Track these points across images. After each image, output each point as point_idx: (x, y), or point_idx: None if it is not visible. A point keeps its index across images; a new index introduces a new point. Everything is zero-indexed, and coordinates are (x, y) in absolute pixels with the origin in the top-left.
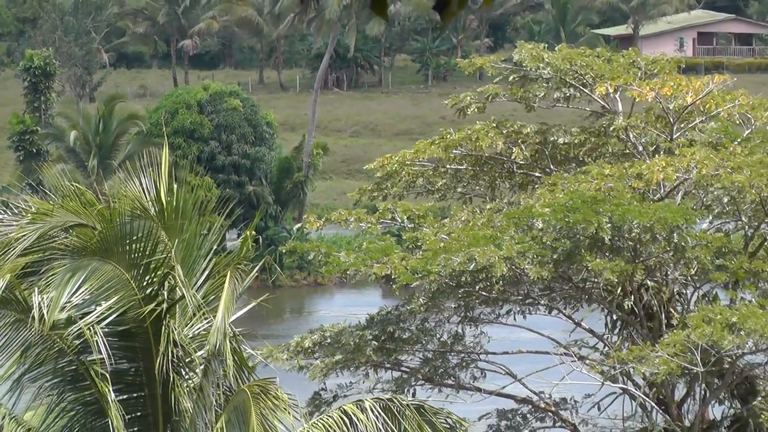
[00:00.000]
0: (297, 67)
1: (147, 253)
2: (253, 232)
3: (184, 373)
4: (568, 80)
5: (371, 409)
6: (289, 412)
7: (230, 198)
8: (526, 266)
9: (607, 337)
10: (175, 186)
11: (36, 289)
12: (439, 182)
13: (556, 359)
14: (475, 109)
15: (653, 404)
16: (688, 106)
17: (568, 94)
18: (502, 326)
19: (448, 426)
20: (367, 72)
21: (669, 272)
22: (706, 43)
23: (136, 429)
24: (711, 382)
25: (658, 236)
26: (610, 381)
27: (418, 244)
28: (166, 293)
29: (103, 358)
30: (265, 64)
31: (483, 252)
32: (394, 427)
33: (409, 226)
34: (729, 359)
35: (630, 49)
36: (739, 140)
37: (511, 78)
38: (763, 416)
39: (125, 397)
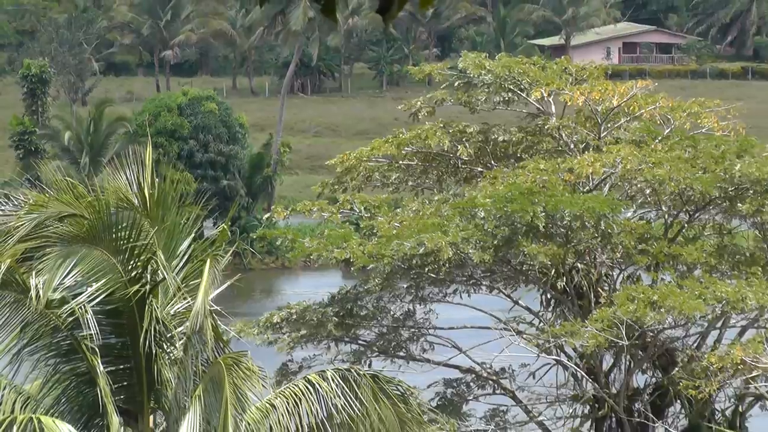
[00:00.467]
0: (266, 75)
1: (132, 239)
2: (228, 222)
3: (165, 347)
4: (506, 85)
5: (332, 379)
6: (258, 382)
7: (207, 191)
8: (470, 251)
9: (542, 314)
10: (157, 180)
11: (33, 272)
12: (392, 176)
13: (497, 334)
14: (425, 112)
15: (583, 374)
16: (614, 108)
17: (507, 98)
18: (448, 304)
19: (400, 393)
20: (328, 78)
21: (597, 256)
22: (631, 52)
23: (122, 397)
24: (635, 354)
25: (587, 224)
26: (545, 353)
27: (374, 231)
28: (149, 276)
29: (93, 334)
30: (237, 71)
31: (431, 238)
32: (352, 395)
33: (366, 215)
34: (651, 333)
35: (562, 57)
36: (659, 138)
37: (456, 84)
38: (681, 384)
39: (113, 368)
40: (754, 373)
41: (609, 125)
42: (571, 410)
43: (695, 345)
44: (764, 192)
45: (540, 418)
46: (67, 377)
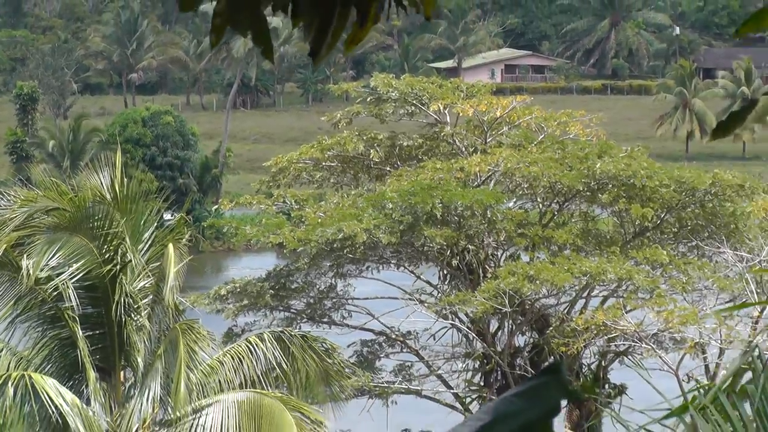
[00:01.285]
0: (214, 93)
1: (105, 228)
2: (184, 213)
3: (133, 315)
4: (410, 100)
5: (268, 340)
6: (208, 343)
7: (165, 188)
8: (380, 235)
9: (440, 286)
10: (126, 179)
11: (24, 255)
12: (317, 175)
13: (403, 303)
14: (344, 123)
15: (474, 335)
16: (498, 118)
17: (410, 111)
18: (363, 279)
19: (324, 350)
20: (264, 96)
21: (484, 239)
22: (511, 72)
23: (98, 357)
24: (516, 318)
25: (476, 212)
26: (442, 318)
27: (302, 220)
28: (119, 257)
29: (74, 306)
30: (190, 90)
31: (349, 225)
32: (285, 352)
33: (296, 207)
34: (529, 301)
35: (455, 78)
36: (534, 143)
37: (368, 99)
38: (554, 343)
39: (90, 333)
40: (614, 334)
41: (493, 132)
42: (464, 365)
43: (565, 311)
44: (620, 186)
45: (439, 372)
46: (53, 341)
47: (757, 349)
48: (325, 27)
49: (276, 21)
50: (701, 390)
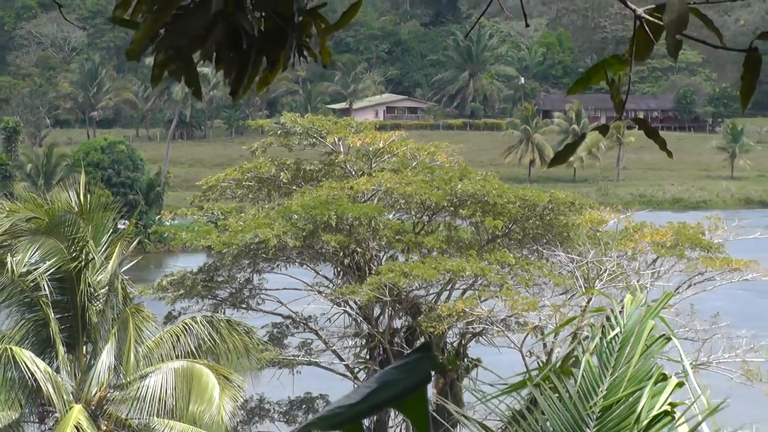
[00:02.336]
0: (158, 127)
1: (72, 233)
2: (134, 222)
3: (93, 302)
4: (311, 134)
5: (200, 322)
6: (152, 324)
7: (119, 202)
8: (288, 240)
9: (335, 280)
10: (88, 195)
11: (9, 254)
12: (238, 192)
13: (305, 293)
14: (260, 151)
15: (361, 319)
16: (380, 149)
17: (312, 142)
18: (274, 274)
19: (245, 331)
20: (197, 129)
21: (369, 243)
22: (391, 113)
23: (66, 334)
24: (394, 306)
25: (362, 222)
26: (336, 305)
27: (227, 227)
28: (83, 256)
29: (47, 294)
30: (139, 125)
31: (263, 232)
32: (214, 332)
33: (222, 217)
34: (404, 293)
35: (347, 117)
36: (409, 168)
37: (279, 132)
38: (423, 325)
39: (59, 316)
40: (471, 319)
41: (377, 160)
42: (353, 342)
43: (433, 300)
44: (476, 202)
45: (334, 348)
46: (30, 322)
47: (579, 340)
48: (242, 72)
49: (206, 70)
50: (539, 367)
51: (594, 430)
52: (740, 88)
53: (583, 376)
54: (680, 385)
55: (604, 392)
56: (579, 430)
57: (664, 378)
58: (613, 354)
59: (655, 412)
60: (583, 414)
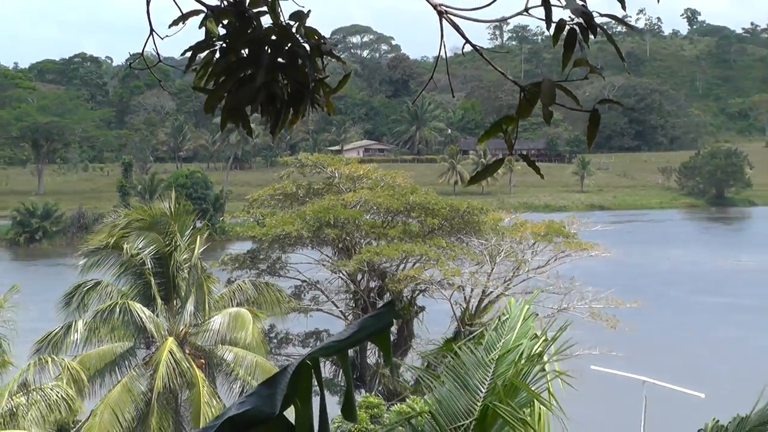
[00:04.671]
0: (221, 161)
1: (167, 228)
2: (206, 222)
3: (180, 272)
4: (317, 166)
5: (248, 284)
6: (217, 285)
7: (196, 209)
8: (303, 232)
9: (333, 257)
10: (177, 205)
11: (126, 242)
12: (272, 202)
13: (314, 265)
14: (285, 177)
15: (350, 281)
16: (361, 175)
17: (318, 171)
18: (295, 254)
19: (277, 290)
20: (246, 163)
21: (354, 234)
22: (367, 152)
23: (162, 293)
24: (371, 273)
25: (350, 221)
26: (334, 272)
27: (264, 224)
28: (173, 243)
29: (149, 267)
30: (209, 160)
31: (287, 227)
32: (256, 291)
33: (261, 218)
34: (376, 265)
35: (340, 155)
36: (379, 187)
37: (297, 165)
38: (388, 285)
39: (158, 281)
40: (418, 281)
41: (359, 182)
42: (345, 297)
43: (395, 269)
44: (421, 207)
45: (332, 300)
46: (139, 285)
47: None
48: (277, 120)
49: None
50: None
51: (494, 366)
52: (587, 135)
53: (488, 344)
54: (546, 339)
55: (503, 343)
56: (486, 367)
57: (536, 336)
58: (506, 325)
59: (533, 352)
60: (488, 360)
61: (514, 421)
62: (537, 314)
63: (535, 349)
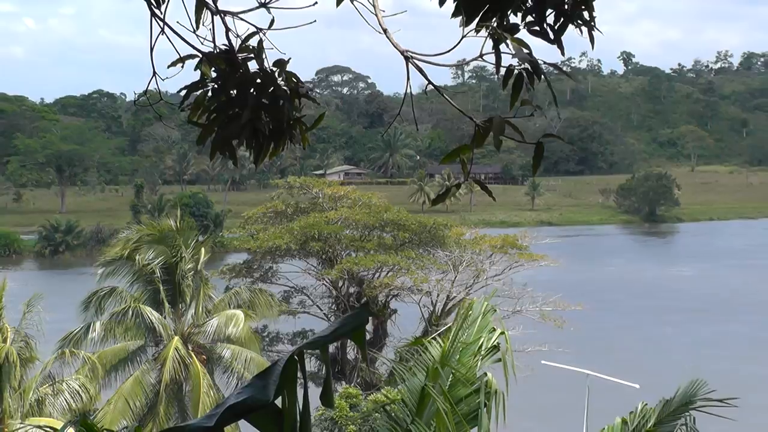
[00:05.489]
0: (219, 183)
1: (173, 242)
2: (207, 236)
3: (184, 279)
4: (304, 187)
5: (243, 290)
6: (215, 291)
7: (198, 225)
8: (291, 245)
9: (318, 267)
10: (181, 221)
11: (138, 253)
12: (264, 219)
13: (301, 273)
14: (277, 197)
15: (332, 287)
16: (341, 195)
17: (304, 192)
18: (284, 263)
19: (269, 294)
20: (242, 185)
21: (336, 246)
22: (347, 176)
23: (169, 298)
24: (350, 280)
25: (332, 235)
26: (318, 279)
27: (258, 238)
28: (179, 254)
29: (158, 275)
30: (210, 183)
31: (277, 240)
32: (251, 295)
33: (255, 233)
34: (355, 273)
35: (323, 178)
36: (357, 206)
37: (286, 187)
38: (365, 291)
39: (165, 287)
40: (392, 287)
41: (340, 201)
42: (328, 301)
43: (371, 276)
44: (394, 223)
45: (317, 303)
46: (149, 291)
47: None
48: (259, 152)
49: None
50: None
51: (459, 357)
52: (533, 163)
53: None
54: (502, 332)
55: (464, 338)
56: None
57: (494, 329)
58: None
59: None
60: (453, 349)
61: (449, 404)
62: (496, 310)
63: (493, 341)
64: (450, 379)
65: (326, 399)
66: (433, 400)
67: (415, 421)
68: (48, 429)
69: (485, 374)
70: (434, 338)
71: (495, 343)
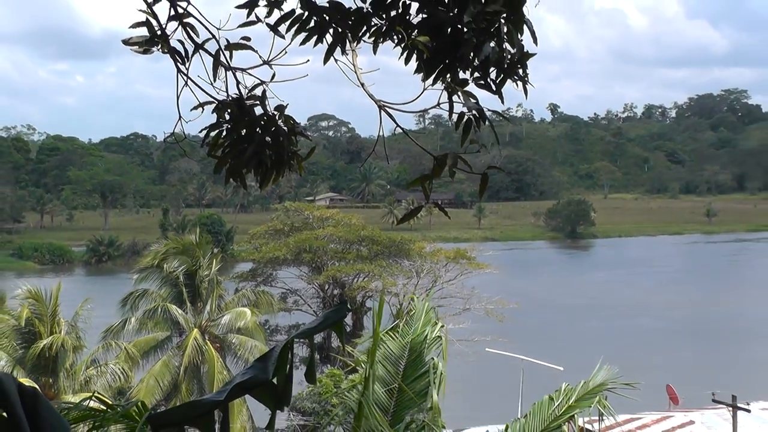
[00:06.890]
0: (231, 207)
1: (193, 253)
2: (220, 249)
3: (202, 283)
4: (298, 211)
5: (249, 291)
6: (227, 293)
7: (214, 240)
8: (287, 255)
9: (309, 273)
10: (200, 237)
11: (165, 263)
12: (266, 236)
13: (296, 278)
14: (276, 218)
15: (320, 290)
16: (327, 217)
17: (298, 214)
18: (282, 270)
19: (270, 295)
20: (249, 208)
21: (323, 257)
22: (333, 201)
23: (190, 297)
24: (334, 284)
25: (321, 248)
26: (309, 283)
27: (261, 251)
28: (198, 263)
29: (181, 279)
30: (223, 206)
31: (277, 252)
32: (255, 295)
33: (259, 246)
34: (339, 278)
35: (313, 203)
36: (340, 225)
37: (284, 210)
38: (347, 293)
39: (187, 289)
40: (367, 290)
41: (326, 222)
42: (316, 301)
43: (351, 281)
44: (369, 239)
45: (308, 303)
46: (174, 292)
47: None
48: (264, 178)
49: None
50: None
51: (408, 349)
52: (479, 190)
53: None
54: (442, 326)
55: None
56: (402, 351)
57: (436, 323)
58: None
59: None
60: (403, 343)
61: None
62: (435, 308)
63: (435, 332)
64: (404, 363)
65: (310, 377)
66: (392, 379)
67: (376, 393)
68: (97, 397)
69: (432, 359)
70: (387, 332)
71: (438, 334)
